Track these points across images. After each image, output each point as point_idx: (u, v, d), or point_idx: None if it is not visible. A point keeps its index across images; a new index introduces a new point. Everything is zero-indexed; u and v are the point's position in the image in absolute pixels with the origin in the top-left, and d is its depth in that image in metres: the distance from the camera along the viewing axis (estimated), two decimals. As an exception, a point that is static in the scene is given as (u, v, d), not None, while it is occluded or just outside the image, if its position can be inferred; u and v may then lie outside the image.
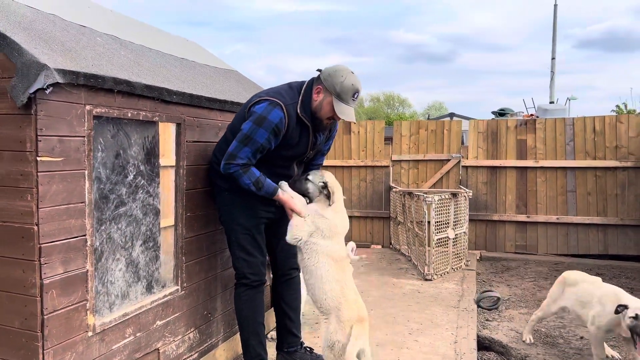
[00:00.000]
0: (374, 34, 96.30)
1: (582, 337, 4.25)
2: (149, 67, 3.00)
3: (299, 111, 2.85)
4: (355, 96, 2.85)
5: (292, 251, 3.18)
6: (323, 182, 2.92)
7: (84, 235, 2.24)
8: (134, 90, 2.44)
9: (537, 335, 4.31)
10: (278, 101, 2.78)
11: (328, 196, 2.89)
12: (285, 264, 3.26)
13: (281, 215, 3.06)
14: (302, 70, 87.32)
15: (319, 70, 2.92)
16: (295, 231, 2.84)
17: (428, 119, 29.01)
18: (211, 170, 3.08)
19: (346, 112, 2.82)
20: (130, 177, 2.56)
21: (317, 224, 2.84)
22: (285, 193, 2.90)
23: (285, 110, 2.79)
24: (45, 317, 2.06)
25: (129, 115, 2.46)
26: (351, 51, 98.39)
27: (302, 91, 2.88)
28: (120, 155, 2.49)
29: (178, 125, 2.88)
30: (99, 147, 2.35)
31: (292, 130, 2.85)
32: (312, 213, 2.87)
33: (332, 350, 2.73)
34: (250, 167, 2.82)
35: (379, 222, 8.00)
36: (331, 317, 2.78)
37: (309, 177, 2.96)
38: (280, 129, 2.79)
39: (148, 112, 2.60)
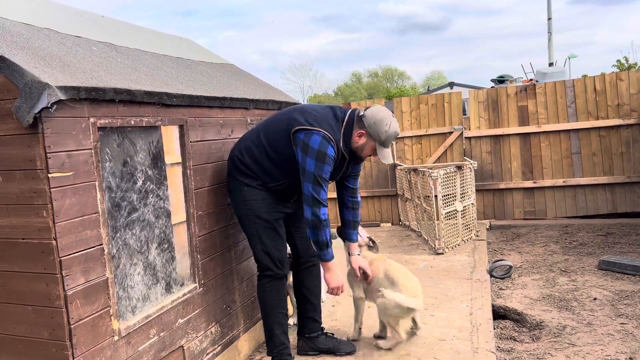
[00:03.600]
0: (363, 9, 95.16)
1: (595, 299, 4.32)
2: (146, 72, 3.03)
3: (341, 146, 2.97)
4: (394, 139, 3.04)
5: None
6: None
7: (101, 245, 2.30)
8: (135, 98, 2.47)
9: (550, 300, 4.38)
10: (331, 137, 2.89)
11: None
12: (306, 252, 3.36)
13: (298, 208, 3.21)
14: (295, 51, 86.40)
15: (362, 114, 2.99)
16: None
17: (428, 90, 28.84)
18: (232, 165, 3.13)
19: (387, 155, 3.00)
20: (140, 183, 2.62)
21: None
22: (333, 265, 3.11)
23: (336, 147, 2.92)
24: (72, 326, 2.14)
25: (132, 122, 2.50)
26: (342, 28, 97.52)
27: (344, 126, 2.98)
28: (127, 162, 2.54)
29: (180, 127, 2.92)
30: (107, 157, 2.40)
31: (337, 161, 2.99)
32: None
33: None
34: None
35: (387, 200, 8.05)
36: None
37: None
38: (333, 159, 2.92)
39: (150, 117, 2.64)
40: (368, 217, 8.17)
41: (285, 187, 3.06)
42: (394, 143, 7.89)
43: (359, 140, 2.99)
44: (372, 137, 2.96)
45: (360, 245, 3.49)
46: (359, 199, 3.37)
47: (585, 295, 4.43)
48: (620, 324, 3.79)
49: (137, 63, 3.10)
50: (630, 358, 3.27)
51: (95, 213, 2.28)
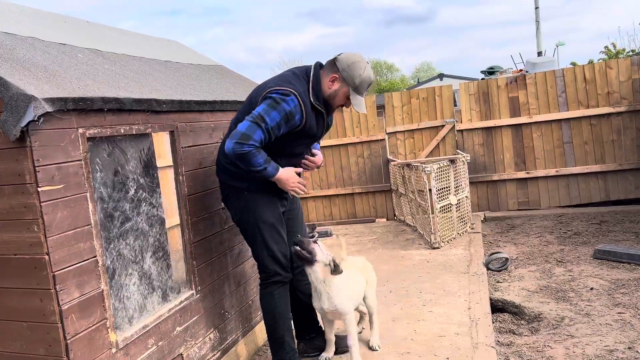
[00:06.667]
0: (348, 2, 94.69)
1: (592, 288, 4.33)
2: (134, 78, 2.99)
3: (312, 99, 2.82)
4: (369, 88, 2.90)
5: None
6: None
7: (95, 257, 2.27)
8: (124, 106, 2.43)
9: (548, 292, 4.39)
10: (291, 89, 2.74)
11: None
12: None
13: (291, 207, 3.16)
14: (282, 47, 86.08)
15: (334, 58, 2.87)
16: None
17: (418, 82, 28.85)
18: (222, 173, 2.99)
19: (360, 103, 2.87)
20: (132, 191, 2.58)
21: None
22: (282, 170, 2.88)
23: (300, 99, 2.75)
24: (68, 341, 2.10)
25: (122, 131, 2.47)
26: (328, 22, 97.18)
27: (311, 77, 2.85)
28: (119, 172, 2.50)
29: (171, 133, 2.89)
30: (97, 167, 2.36)
31: (309, 118, 2.83)
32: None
33: None
34: (260, 149, 2.74)
35: (381, 195, 8.04)
36: None
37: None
38: (293, 115, 2.74)
39: (140, 125, 2.60)
40: (363, 213, 8.16)
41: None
42: (386, 138, 7.88)
43: (332, 86, 2.84)
44: (345, 81, 2.81)
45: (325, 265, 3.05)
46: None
47: (582, 285, 4.45)
48: (618, 313, 3.81)
49: (124, 69, 3.05)
50: (629, 347, 3.28)
51: (87, 225, 2.24)
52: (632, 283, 4.35)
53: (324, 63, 2.93)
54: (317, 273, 2.99)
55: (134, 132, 2.56)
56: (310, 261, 2.96)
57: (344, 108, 3.02)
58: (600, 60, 7.42)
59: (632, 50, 16.25)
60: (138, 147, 2.65)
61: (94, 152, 2.33)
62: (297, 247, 2.94)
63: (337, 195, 8.23)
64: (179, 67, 3.87)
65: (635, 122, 7.13)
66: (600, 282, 4.47)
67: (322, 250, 3.01)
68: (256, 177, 2.81)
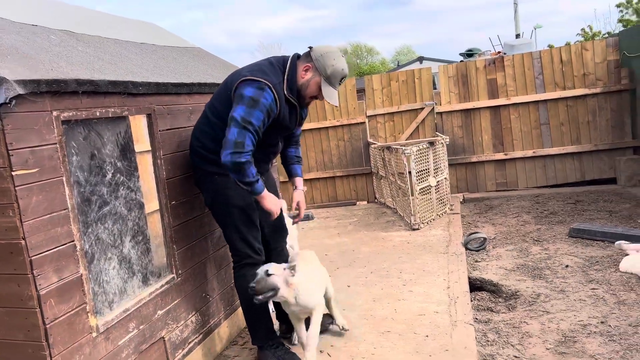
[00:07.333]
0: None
1: (567, 266, 4.44)
2: (110, 60, 2.93)
3: (286, 92, 2.82)
4: (342, 80, 2.87)
5: (280, 225, 3.24)
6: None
7: (72, 241, 2.24)
8: (99, 88, 2.39)
9: (524, 270, 4.49)
10: (267, 82, 2.71)
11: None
12: (275, 240, 3.28)
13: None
14: (262, 31, 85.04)
15: (309, 47, 2.88)
16: None
17: (398, 65, 28.81)
18: (195, 156, 2.99)
19: (332, 95, 2.85)
20: (109, 175, 2.55)
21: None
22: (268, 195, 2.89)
23: (274, 91, 2.73)
24: (47, 326, 2.09)
25: (98, 114, 2.43)
26: (308, 5, 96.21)
27: (287, 69, 2.83)
28: (95, 155, 2.47)
29: (148, 116, 2.85)
30: (73, 151, 2.32)
31: (283, 110, 2.83)
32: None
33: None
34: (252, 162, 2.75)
35: (362, 178, 8.08)
36: None
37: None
38: (272, 109, 2.74)
39: (116, 107, 2.56)
40: (344, 196, 8.20)
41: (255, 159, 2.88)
42: (367, 121, 7.90)
43: (305, 76, 2.83)
44: (318, 71, 2.80)
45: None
46: (299, 139, 3.31)
47: (558, 263, 4.56)
48: (592, 289, 3.92)
49: (99, 51, 2.99)
50: (601, 322, 3.39)
51: (64, 209, 2.21)
52: (605, 260, 4.47)
53: (301, 54, 2.91)
54: (284, 294, 2.87)
55: (110, 115, 2.52)
56: (276, 293, 2.84)
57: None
58: (577, 42, 7.51)
59: (608, 33, 16.48)
60: (115, 130, 2.61)
61: (69, 135, 2.30)
62: (260, 297, 2.77)
63: (318, 179, 8.25)
64: (156, 50, 3.81)
65: (609, 103, 7.27)
66: (575, 259, 4.58)
67: (278, 271, 2.85)
68: (246, 189, 2.81)
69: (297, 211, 3.27)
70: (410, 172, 6.02)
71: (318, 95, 2.88)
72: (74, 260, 2.25)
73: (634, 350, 3.00)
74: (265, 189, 2.87)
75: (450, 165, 7.31)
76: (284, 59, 2.91)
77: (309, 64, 2.83)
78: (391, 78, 7.95)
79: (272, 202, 2.91)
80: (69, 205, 2.24)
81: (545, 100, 7.44)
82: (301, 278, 2.94)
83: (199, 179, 3.05)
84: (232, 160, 2.63)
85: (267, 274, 2.81)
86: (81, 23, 3.46)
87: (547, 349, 3.15)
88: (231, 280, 3.57)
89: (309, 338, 3.01)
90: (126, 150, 2.69)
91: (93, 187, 2.44)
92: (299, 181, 3.32)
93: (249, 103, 2.66)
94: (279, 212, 2.99)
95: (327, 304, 3.39)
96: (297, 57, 2.91)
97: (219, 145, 2.76)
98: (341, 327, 3.43)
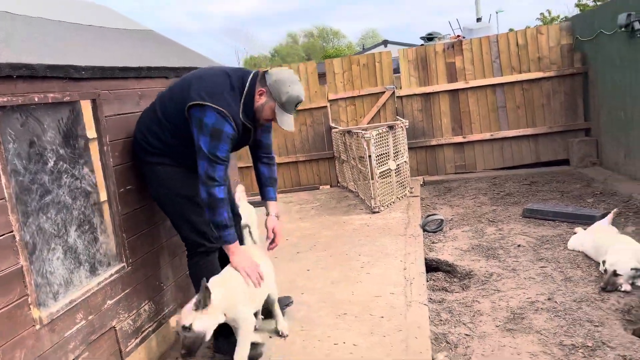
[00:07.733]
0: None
1: (519, 245, 4.57)
2: (51, 43, 2.82)
3: (242, 118, 2.80)
4: (297, 105, 2.85)
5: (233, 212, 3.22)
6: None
7: (11, 232, 2.17)
8: (36, 72, 2.30)
9: (479, 250, 4.60)
10: (228, 113, 2.69)
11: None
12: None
13: None
14: (224, 13, 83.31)
15: (265, 71, 2.84)
16: None
17: (363, 48, 28.79)
18: (136, 146, 2.94)
19: (287, 121, 2.83)
20: (51, 163, 2.47)
21: None
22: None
23: (234, 122, 2.73)
24: (-15, 320, 2.03)
25: (36, 99, 2.34)
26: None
27: (245, 92, 2.79)
28: (35, 143, 2.38)
29: (93, 101, 2.76)
30: (9, 138, 2.23)
31: (239, 133, 2.82)
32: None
33: None
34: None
35: (324, 162, 8.09)
36: None
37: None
38: (234, 137, 2.77)
39: (57, 93, 2.47)
40: (307, 181, 8.20)
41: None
42: (328, 105, 7.88)
43: (259, 100, 2.81)
44: (272, 96, 2.78)
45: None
46: (273, 154, 3.25)
47: (511, 243, 4.68)
48: (541, 267, 4.05)
49: (40, 34, 2.88)
50: (548, 298, 3.51)
51: (1, 199, 2.13)
52: (555, 239, 4.62)
53: (261, 72, 2.86)
54: (211, 327, 2.63)
55: (50, 101, 2.43)
56: (205, 336, 2.60)
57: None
58: (534, 27, 7.65)
59: (565, 17, 16.84)
60: (56, 116, 2.52)
61: (4, 121, 2.20)
62: (196, 352, 2.57)
63: (281, 164, 8.20)
64: (104, 32, 3.69)
65: (563, 86, 7.45)
66: (527, 239, 4.72)
67: (191, 315, 2.57)
68: (215, 235, 2.81)
69: (272, 238, 3.17)
70: (370, 156, 6.06)
71: (273, 119, 2.86)
72: (14, 251, 2.18)
73: (577, 325, 3.13)
74: (237, 242, 2.83)
75: (410, 148, 7.39)
76: (242, 77, 2.84)
77: (264, 88, 2.81)
78: (352, 62, 7.93)
79: (243, 260, 2.82)
80: (6, 195, 2.15)
81: (502, 84, 7.58)
82: (218, 300, 2.64)
83: (142, 171, 3.00)
84: (207, 192, 2.67)
85: (185, 329, 2.54)
86: (22, 3, 3.31)
87: (497, 326, 3.25)
88: (186, 268, 3.53)
89: (236, 355, 2.74)
90: (69, 136, 2.61)
91: (33, 175, 2.35)
92: (272, 206, 3.20)
93: (212, 133, 2.67)
94: (257, 278, 2.83)
95: (271, 306, 3.27)
96: (256, 76, 2.86)
97: (162, 145, 2.82)
98: (280, 333, 3.25)
